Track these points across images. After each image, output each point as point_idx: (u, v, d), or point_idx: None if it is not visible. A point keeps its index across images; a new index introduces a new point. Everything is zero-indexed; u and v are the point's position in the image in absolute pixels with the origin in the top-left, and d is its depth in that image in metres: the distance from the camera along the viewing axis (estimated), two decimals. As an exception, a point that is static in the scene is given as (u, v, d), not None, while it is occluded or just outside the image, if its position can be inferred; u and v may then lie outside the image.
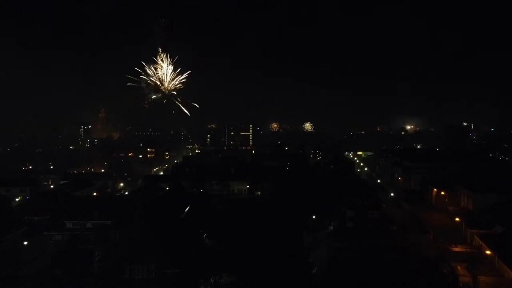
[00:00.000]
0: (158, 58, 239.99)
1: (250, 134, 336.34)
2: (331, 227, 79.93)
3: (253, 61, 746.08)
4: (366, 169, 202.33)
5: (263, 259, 53.29)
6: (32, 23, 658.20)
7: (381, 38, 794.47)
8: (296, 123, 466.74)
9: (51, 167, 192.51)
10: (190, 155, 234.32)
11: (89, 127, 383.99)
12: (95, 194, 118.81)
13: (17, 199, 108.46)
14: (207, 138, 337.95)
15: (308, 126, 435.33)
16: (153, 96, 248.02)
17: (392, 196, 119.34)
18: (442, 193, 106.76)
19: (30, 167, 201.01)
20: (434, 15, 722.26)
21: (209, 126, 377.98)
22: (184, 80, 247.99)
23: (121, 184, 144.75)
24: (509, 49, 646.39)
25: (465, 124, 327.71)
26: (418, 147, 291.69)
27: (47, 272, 51.64)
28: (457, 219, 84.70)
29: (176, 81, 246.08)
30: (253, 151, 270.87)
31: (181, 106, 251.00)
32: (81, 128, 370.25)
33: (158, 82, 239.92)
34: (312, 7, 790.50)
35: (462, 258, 64.41)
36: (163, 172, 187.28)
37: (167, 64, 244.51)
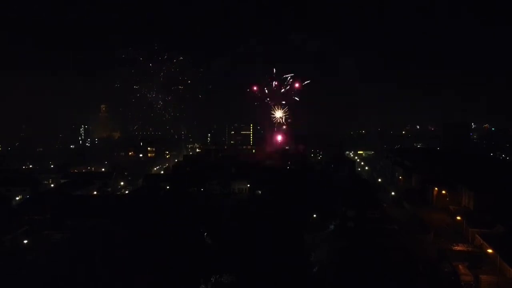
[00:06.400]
0: None
1: (250, 134, 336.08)
2: (332, 227, 79.74)
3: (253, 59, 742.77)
4: (366, 168, 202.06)
5: (264, 259, 53.14)
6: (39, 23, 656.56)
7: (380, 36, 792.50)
8: (296, 122, 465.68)
9: (52, 166, 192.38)
10: (191, 154, 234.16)
11: (90, 126, 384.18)
12: (95, 193, 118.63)
13: (17, 198, 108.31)
14: (208, 137, 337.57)
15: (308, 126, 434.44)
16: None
17: (393, 196, 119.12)
18: (443, 192, 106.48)
19: (31, 166, 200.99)
20: (432, 10, 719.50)
21: (210, 125, 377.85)
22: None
23: (122, 183, 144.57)
24: (509, 49, 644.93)
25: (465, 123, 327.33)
26: (419, 146, 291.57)
27: (47, 271, 51.44)
28: (458, 218, 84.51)
29: None
30: (254, 151, 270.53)
31: None
32: (81, 127, 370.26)
33: None
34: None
35: (463, 257, 64.29)
36: (164, 171, 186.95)
37: None
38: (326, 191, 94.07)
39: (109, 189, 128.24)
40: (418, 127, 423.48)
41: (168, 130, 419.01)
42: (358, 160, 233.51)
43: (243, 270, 52.85)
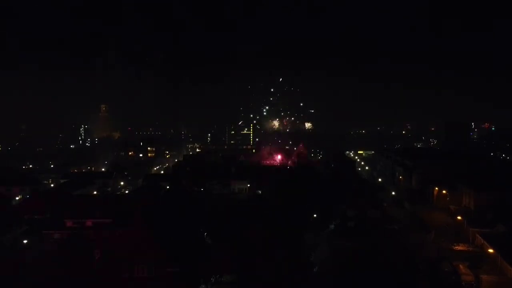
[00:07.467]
0: None
1: (250, 133, 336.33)
2: (332, 226, 79.62)
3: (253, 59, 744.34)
4: (367, 168, 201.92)
5: (263, 258, 53.01)
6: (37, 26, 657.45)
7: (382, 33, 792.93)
8: (297, 122, 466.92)
9: (52, 166, 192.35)
10: (191, 154, 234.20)
11: (90, 126, 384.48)
12: (95, 193, 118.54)
13: (17, 198, 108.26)
14: (208, 137, 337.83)
15: (308, 125, 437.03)
16: None
17: (393, 195, 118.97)
18: (443, 192, 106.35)
19: (31, 166, 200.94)
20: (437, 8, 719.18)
21: (210, 125, 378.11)
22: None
23: (122, 183, 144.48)
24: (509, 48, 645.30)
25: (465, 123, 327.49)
26: (419, 146, 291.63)
27: (47, 271, 51.30)
28: (458, 218, 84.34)
29: None
30: (253, 150, 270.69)
31: None
32: (81, 127, 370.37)
33: None
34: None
35: (464, 257, 64.15)
36: (164, 171, 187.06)
37: None
38: (326, 191, 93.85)
39: (109, 189, 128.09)
40: (418, 127, 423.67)
41: (168, 130, 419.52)
42: (358, 160, 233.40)
43: (243, 270, 52.73)
